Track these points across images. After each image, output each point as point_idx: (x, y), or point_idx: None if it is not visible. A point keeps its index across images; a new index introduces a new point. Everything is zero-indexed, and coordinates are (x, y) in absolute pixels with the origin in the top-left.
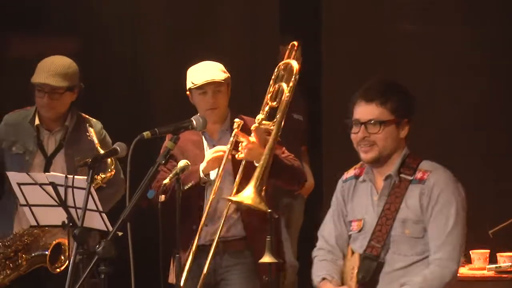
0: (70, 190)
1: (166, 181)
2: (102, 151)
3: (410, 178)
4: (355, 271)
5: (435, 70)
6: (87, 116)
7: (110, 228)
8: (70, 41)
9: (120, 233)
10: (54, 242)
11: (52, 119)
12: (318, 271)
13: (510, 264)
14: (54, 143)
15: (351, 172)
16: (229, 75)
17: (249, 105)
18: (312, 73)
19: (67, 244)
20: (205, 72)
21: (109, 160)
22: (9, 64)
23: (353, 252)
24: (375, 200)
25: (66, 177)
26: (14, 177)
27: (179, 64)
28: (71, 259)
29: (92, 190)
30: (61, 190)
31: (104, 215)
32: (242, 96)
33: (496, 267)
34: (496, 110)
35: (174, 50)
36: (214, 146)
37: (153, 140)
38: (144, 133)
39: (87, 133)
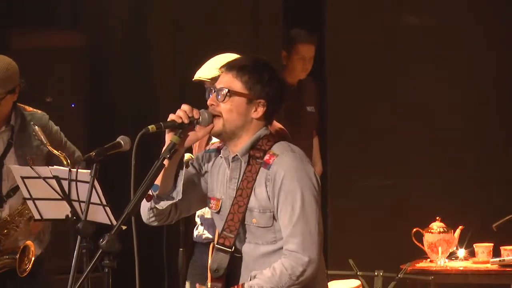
0: (73, 184)
1: None
2: (52, 149)
3: (259, 161)
4: (209, 265)
5: (440, 65)
6: (31, 110)
7: (114, 222)
8: (75, 36)
9: (124, 227)
10: (22, 245)
11: None
12: None
13: None
14: (2, 144)
15: (215, 144)
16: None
17: None
18: (316, 66)
19: (32, 247)
20: (202, 69)
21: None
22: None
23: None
24: (227, 179)
25: (69, 170)
26: (18, 170)
27: (184, 60)
28: (75, 253)
29: (96, 183)
30: (65, 184)
31: (108, 208)
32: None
33: (500, 260)
34: (502, 103)
35: (179, 46)
36: None
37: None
38: (149, 127)
39: (33, 133)
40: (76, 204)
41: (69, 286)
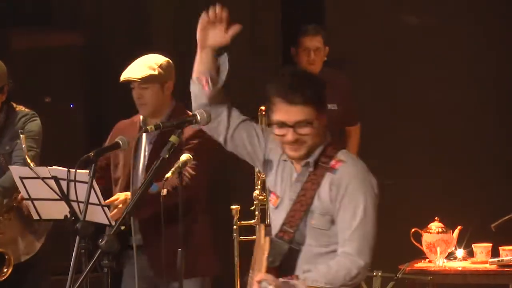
0: (72, 184)
1: (168, 175)
2: (28, 160)
3: (326, 166)
4: (265, 254)
5: (440, 65)
6: (21, 109)
7: (113, 223)
8: (74, 36)
9: (123, 227)
10: None
11: None
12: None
13: None
14: None
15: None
16: (158, 72)
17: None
18: None
19: (10, 254)
20: (127, 69)
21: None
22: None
23: (265, 238)
24: (292, 181)
25: (68, 170)
26: (16, 171)
27: (184, 60)
28: (74, 253)
29: (95, 183)
30: (63, 184)
31: (106, 209)
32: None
33: (498, 260)
34: (502, 103)
35: (179, 46)
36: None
37: None
38: (148, 127)
39: (17, 141)
40: (74, 204)
41: (67, 287)
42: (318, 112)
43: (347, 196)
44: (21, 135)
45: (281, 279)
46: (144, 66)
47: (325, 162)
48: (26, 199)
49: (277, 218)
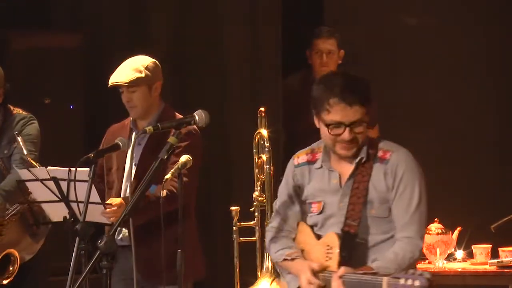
0: (71, 184)
1: (168, 176)
2: (31, 161)
3: (375, 157)
4: (335, 250)
5: (440, 65)
6: (18, 112)
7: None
8: (74, 37)
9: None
10: (3, 253)
11: None
12: (276, 247)
13: (511, 259)
14: None
15: (303, 158)
16: (145, 74)
17: (249, 104)
18: None
19: (16, 254)
20: (114, 74)
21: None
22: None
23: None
24: (334, 183)
25: (69, 170)
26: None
27: (184, 61)
28: (73, 254)
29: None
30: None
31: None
32: (242, 94)
33: (498, 261)
34: (502, 103)
35: (179, 47)
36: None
37: None
38: (147, 128)
39: (15, 144)
40: (74, 205)
41: (67, 287)
42: (368, 112)
43: (403, 183)
44: (18, 137)
45: (359, 271)
46: (130, 69)
47: (373, 154)
48: (25, 202)
49: (320, 221)
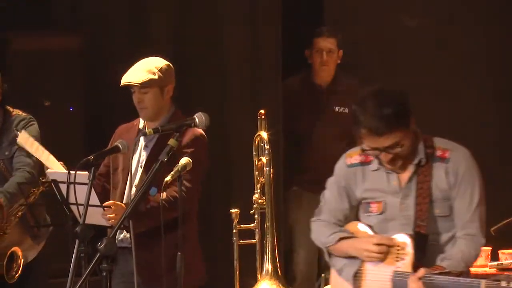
0: (71, 187)
1: (168, 178)
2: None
3: (433, 157)
4: (408, 250)
5: (440, 65)
6: (17, 113)
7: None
8: (74, 39)
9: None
10: (9, 251)
11: None
12: (329, 231)
13: (511, 261)
14: None
15: (355, 158)
16: (158, 76)
17: (249, 104)
18: None
19: (19, 252)
20: (127, 74)
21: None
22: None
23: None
24: (394, 184)
25: (68, 173)
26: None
27: (184, 62)
28: (73, 256)
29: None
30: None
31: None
32: (242, 94)
33: (498, 264)
34: (502, 104)
35: (179, 48)
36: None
37: None
38: (147, 130)
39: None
40: (74, 207)
41: None
42: (407, 127)
43: (465, 181)
44: (18, 133)
45: (434, 271)
46: (144, 70)
47: (431, 153)
48: (24, 204)
49: (379, 221)
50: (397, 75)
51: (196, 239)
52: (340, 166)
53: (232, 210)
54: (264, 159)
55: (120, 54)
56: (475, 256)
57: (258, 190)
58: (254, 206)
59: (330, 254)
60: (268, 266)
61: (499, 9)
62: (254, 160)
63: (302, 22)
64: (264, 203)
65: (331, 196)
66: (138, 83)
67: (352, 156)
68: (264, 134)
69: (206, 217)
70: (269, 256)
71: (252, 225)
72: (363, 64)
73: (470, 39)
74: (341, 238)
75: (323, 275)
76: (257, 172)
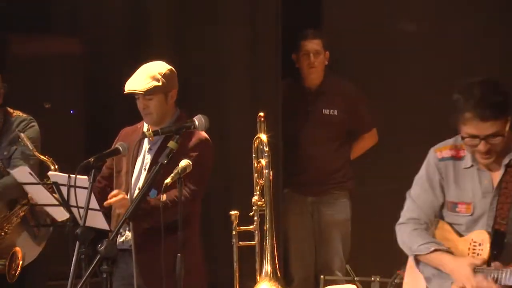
0: (71, 190)
1: (168, 180)
2: (38, 155)
3: None
4: (485, 246)
5: (439, 66)
6: (18, 114)
7: (112, 228)
8: (74, 42)
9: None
10: (11, 251)
11: None
12: (421, 240)
13: None
14: None
15: (447, 152)
16: (162, 82)
17: (248, 104)
18: None
19: (19, 252)
20: (131, 80)
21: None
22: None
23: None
24: (485, 183)
25: (68, 176)
26: (18, 176)
27: (185, 63)
28: (73, 258)
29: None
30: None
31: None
32: (242, 95)
33: None
34: None
35: (179, 49)
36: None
37: None
38: (147, 133)
39: (19, 140)
40: (74, 210)
41: None
42: (508, 121)
43: None
44: (21, 134)
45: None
46: (147, 76)
47: None
48: (26, 204)
49: (467, 222)
50: (397, 77)
51: (198, 241)
52: (431, 160)
53: (232, 212)
54: (263, 161)
55: (120, 57)
56: None
57: (258, 192)
58: (254, 208)
59: (417, 260)
60: (267, 267)
61: (499, 9)
62: (254, 162)
63: (302, 22)
64: (264, 205)
65: (421, 191)
66: (142, 91)
67: (443, 151)
68: (263, 136)
69: (206, 219)
70: (269, 258)
71: (252, 227)
72: (361, 69)
73: (470, 39)
74: (436, 250)
75: (322, 276)
76: (256, 174)
